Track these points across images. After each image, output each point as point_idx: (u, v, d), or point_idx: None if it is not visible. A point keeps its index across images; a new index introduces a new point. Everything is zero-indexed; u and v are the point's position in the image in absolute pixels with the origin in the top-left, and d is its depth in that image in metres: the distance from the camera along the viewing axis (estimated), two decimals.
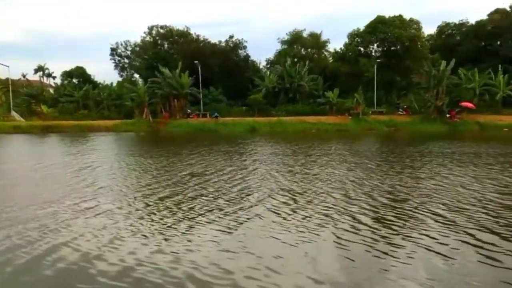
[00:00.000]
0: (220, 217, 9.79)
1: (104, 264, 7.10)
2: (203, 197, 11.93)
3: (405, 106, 51.24)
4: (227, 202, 11.26)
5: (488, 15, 59.54)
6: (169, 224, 9.32)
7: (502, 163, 17.94)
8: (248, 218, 9.70)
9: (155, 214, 10.23)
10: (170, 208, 10.79)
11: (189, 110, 53.69)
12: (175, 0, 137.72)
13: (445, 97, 46.76)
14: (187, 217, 9.86)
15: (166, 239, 8.32)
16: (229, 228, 8.96)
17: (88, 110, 58.89)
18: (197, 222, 9.45)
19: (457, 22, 63.57)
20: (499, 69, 48.85)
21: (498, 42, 56.53)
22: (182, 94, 52.44)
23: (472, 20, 61.84)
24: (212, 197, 11.96)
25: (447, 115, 46.01)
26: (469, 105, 46.22)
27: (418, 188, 12.79)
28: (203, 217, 9.87)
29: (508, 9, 55.92)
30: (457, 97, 47.95)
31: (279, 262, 7.13)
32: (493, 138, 32.61)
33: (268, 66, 66.86)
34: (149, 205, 11.09)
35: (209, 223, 9.39)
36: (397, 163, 18.56)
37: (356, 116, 48.25)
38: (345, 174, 15.65)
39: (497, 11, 58.22)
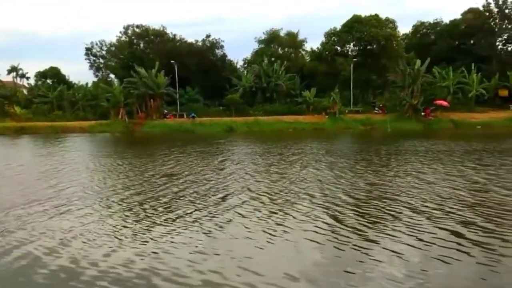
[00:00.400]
0: (182, 218, 9.62)
1: (55, 267, 6.87)
2: (167, 198, 11.73)
3: (381, 105, 51.55)
4: (191, 203, 11.07)
5: (462, 14, 60.31)
6: (129, 226, 9.11)
7: (472, 161, 18.13)
8: (210, 219, 9.53)
9: (117, 215, 10.00)
10: (132, 209, 10.56)
11: (165, 111, 53.00)
12: None
13: (420, 96, 47.17)
14: (149, 219, 9.65)
15: (122, 241, 8.11)
16: (190, 231, 8.78)
17: (62, 111, 57.71)
18: (158, 224, 9.25)
19: (431, 22, 64.28)
20: (472, 67, 49.57)
21: (472, 41, 57.27)
22: (158, 94, 51.80)
23: (446, 20, 62.69)
24: (177, 198, 11.76)
25: (422, 113, 46.43)
26: (444, 103, 46.75)
27: (389, 187, 12.79)
28: (164, 218, 9.68)
29: (481, 8, 56.75)
30: (432, 95, 48.41)
31: (242, 263, 6.98)
32: (466, 135, 33.03)
33: (245, 65, 66.51)
34: (111, 207, 10.84)
35: (169, 224, 9.20)
36: (368, 162, 18.63)
37: (333, 115, 48.36)
38: (315, 173, 15.60)
39: (470, 10, 58.96)
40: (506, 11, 55.49)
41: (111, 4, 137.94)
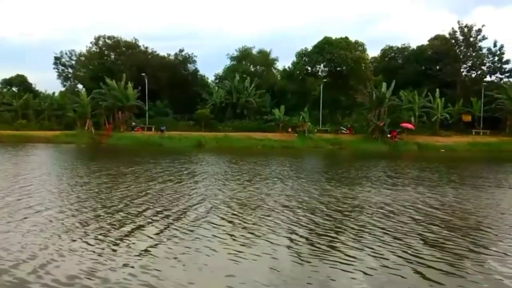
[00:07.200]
0: (120, 239, 9.30)
1: None
2: (103, 215, 11.41)
3: (348, 125, 52.36)
4: (134, 222, 10.81)
5: (429, 40, 62.44)
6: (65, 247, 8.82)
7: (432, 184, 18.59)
8: (153, 245, 9.36)
9: (62, 230, 9.71)
10: (89, 224, 10.29)
11: (133, 123, 52.41)
12: (124, 11, 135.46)
13: (386, 118, 48.12)
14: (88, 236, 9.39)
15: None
16: (129, 255, 8.57)
17: (27, 120, 56.56)
18: (90, 243, 8.99)
19: (399, 46, 66.16)
20: (437, 92, 51.05)
21: (437, 67, 59.10)
22: (127, 106, 51.30)
23: (414, 45, 64.65)
24: (121, 217, 11.30)
25: (388, 135, 47.37)
26: (409, 126, 47.87)
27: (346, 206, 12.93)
28: (99, 237, 9.37)
29: (447, 36, 58.77)
30: (398, 118, 49.58)
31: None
32: (430, 158, 33.85)
33: (217, 81, 66.73)
34: (48, 222, 10.50)
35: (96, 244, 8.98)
36: (330, 183, 18.83)
37: (302, 134, 48.78)
38: (277, 194, 15.65)
39: (437, 37, 61.15)
40: (471, 39, 57.70)
41: (82, 14, 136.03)
